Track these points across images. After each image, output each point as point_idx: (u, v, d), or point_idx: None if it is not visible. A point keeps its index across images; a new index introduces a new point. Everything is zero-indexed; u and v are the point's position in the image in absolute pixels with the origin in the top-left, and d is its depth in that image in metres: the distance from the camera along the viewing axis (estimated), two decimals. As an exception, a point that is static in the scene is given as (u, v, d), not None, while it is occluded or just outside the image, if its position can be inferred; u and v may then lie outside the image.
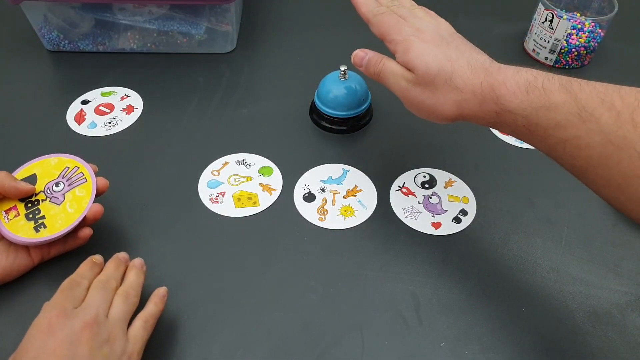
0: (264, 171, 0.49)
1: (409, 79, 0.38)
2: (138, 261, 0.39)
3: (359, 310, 0.39)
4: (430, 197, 0.47)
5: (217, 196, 0.46)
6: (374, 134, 0.53)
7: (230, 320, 0.38)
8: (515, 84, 0.34)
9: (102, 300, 0.34)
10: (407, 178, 0.48)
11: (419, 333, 0.38)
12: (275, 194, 0.47)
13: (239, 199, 0.46)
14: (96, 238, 0.43)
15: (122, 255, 0.39)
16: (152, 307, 0.37)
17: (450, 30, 0.40)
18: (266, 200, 0.46)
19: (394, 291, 0.40)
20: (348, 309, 0.39)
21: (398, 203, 0.46)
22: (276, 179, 0.48)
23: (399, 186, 0.48)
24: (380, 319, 0.39)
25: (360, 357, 0.37)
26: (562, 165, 0.34)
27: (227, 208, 0.45)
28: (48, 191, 0.41)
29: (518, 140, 0.52)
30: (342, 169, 0.49)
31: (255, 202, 0.46)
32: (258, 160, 0.50)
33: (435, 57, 0.37)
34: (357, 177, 0.48)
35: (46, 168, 0.42)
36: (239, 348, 0.37)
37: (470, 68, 0.36)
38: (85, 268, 0.37)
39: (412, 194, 0.47)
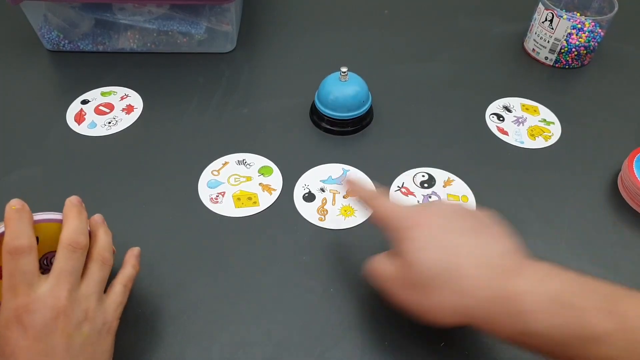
0: (264, 171, 0.49)
1: (400, 279, 0.32)
2: (99, 217, 0.35)
3: (359, 310, 0.39)
4: (430, 197, 0.47)
5: (217, 196, 0.46)
6: (374, 135, 0.53)
7: (230, 321, 0.38)
8: (544, 298, 0.27)
9: (72, 267, 0.30)
10: (406, 178, 0.48)
11: (419, 333, 0.38)
12: (275, 194, 0.47)
13: (238, 198, 0.46)
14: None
15: (76, 199, 0.33)
16: (131, 269, 0.34)
17: (462, 213, 0.33)
18: (266, 200, 0.46)
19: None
20: (348, 309, 0.39)
21: (398, 203, 0.46)
22: (276, 179, 0.48)
23: (398, 186, 0.48)
24: (380, 318, 0.39)
25: (360, 357, 0.37)
26: None
27: (227, 208, 0.45)
28: (44, 262, 0.33)
29: (517, 139, 0.52)
30: (342, 168, 0.49)
31: (255, 202, 0.46)
32: (258, 160, 0.50)
33: (438, 249, 0.30)
34: (356, 177, 0.48)
35: (51, 234, 0.32)
36: (239, 348, 0.37)
37: (478, 265, 0.29)
38: (15, 224, 0.29)
39: (412, 193, 0.47)
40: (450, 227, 0.32)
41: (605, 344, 0.25)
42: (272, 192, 0.47)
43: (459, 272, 0.29)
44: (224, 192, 0.47)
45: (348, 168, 0.49)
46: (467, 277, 0.29)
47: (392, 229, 0.33)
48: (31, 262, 0.29)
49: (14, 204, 0.30)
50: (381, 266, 0.34)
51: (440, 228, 0.32)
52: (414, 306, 0.32)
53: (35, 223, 0.31)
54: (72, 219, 0.32)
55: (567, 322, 0.26)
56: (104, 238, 0.34)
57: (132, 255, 0.36)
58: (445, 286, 0.30)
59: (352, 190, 0.39)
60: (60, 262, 0.30)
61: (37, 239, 0.31)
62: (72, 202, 0.33)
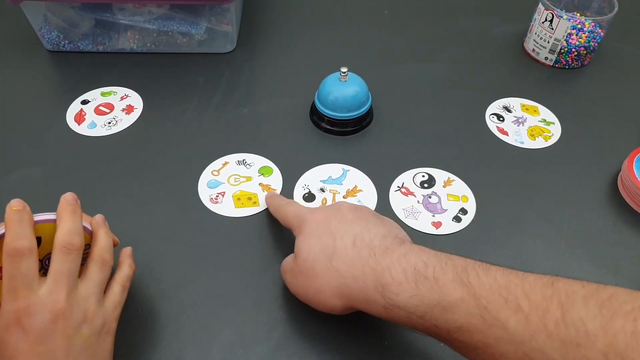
0: (264, 171, 0.49)
1: (292, 269, 0.34)
2: (100, 218, 0.35)
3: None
4: (430, 197, 0.47)
5: (217, 196, 0.46)
6: (374, 135, 0.53)
7: (230, 320, 0.38)
8: (402, 272, 0.29)
9: (70, 269, 0.30)
10: (406, 178, 0.48)
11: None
12: (275, 194, 0.47)
13: (238, 199, 0.46)
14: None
15: (71, 196, 0.33)
16: (127, 269, 0.35)
17: (350, 206, 0.35)
18: (266, 200, 0.46)
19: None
20: (348, 309, 0.39)
21: (398, 203, 0.46)
22: (276, 179, 0.48)
23: (398, 186, 0.48)
24: (380, 318, 0.39)
25: (360, 357, 0.37)
26: None
27: (227, 208, 0.45)
28: (46, 263, 0.32)
29: (517, 140, 0.52)
30: (342, 169, 0.49)
31: (255, 202, 0.46)
32: (258, 161, 0.50)
33: (319, 236, 0.32)
34: (357, 177, 0.48)
35: (53, 234, 0.32)
36: (239, 348, 0.37)
37: (353, 246, 0.31)
38: (16, 225, 0.29)
39: (412, 193, 0.47)
40: (334, 219, 0.34)
41: (456, 312, 0.27)
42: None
43: (336, 254, 0.31)
44: (224, 192, 0.47)
45: (348, 168, 0.49)
46: (343, 258, 0.31)
47: (292, 228, 0.37)
48: (31, 265, 0.29)
49: (15, 204, 0.30)
50: (285, 261, 0.37)
51: (324, 220, 0.34)
52: (303, 293, 0.34)
53: (36, 224, 0.31)
54: (65, 220, 0.31)
55: (425, 294, 0.28)
56: (104, 239, 0.34)
57: (126, 255, 0.36)
58: (325, 269, 0.31)
59: (268, 203, 0.43)
60: (56, 264, 0.30)
61: (40, 239, 0.31)
62: (67, 199, 0.33)
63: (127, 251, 0.37)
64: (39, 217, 0.32)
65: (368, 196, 0.47)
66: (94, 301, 0.31)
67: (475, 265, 0.29)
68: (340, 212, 0.35)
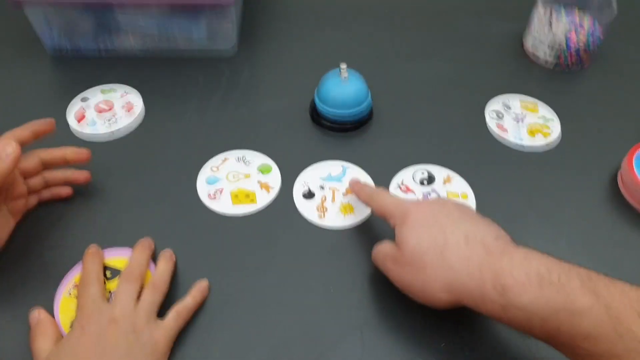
0: (262, 169, 0.48)
1: (396, 258, 0.34)
2: (167, 251, 0.40)
3: (359, 310, 0.39)
4: (429, 194, 0.47)
5: (215, 193, 0.46)
6: (373, 132, 0.53)
7: (230, 321, 0.38)
8: (525, 275, 0.29)
9: (128, 293, 0.36)
10: (406, 175, 0.48)
11: (419, 333, 0.38)
12: (273, 192, 0.46)
13: (236, 196, 0.46)
14: (96, 234, 0.43)
15: (146, 241, 0.40)
16: (189, 299, 0.38)
17: (453, 203, 0.36)
18: (263, 198, 0.46)
19: (394, 291, 0.40)
20: (348, 309, 0.39)
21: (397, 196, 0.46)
22: (274, 177, 0.48)
23: (397, 184, 0.48)
24: (380, 318, 0.38)
25: (360, 357, 0.36)
26: None
27: (224, 205, 0.45)
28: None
29: (517, 137, 0.52)
30: (342, 166, 0.49)
31: (252, 200, 0.46)
32: (257, 158, 0.49)
33: (429, 228, 0.33)
34: (356, 175, 0.48)
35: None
36: (239, 348, 0.37)
37: (466, 242, 0.31)
38: (89, 263, 0.38)
39: (411, 191, 0.47)
40: (440, 213, 0.34)
41: (585, 318, 0.27)
42: (270, 190, 0.47)
43: (448, 248, 0.31)
44: (222, 189, 0.47)
45: (348, 165, 0.49)
46: (457, 254, 0.31)
47: (390, 218, 0.37)
48: (97, 289, 0.36)
49: (90, 250, 0.39)
50: (382, 248, 0.37)
51: (432, 213, 0.35)
52: (408, 284, 0.34)
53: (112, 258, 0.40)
54: (132, 255, 0.39)
55: (550, 297, 0.28)
56: (161, 268, 0.39)
57: (195, 287, 0.39)
58: (435, 263, 0.31)
59: (357, 190, 0.42)
60: (118, 287, 0.36)
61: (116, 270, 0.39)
62: (142, 242, 0.40)
63: (200, 284, 0.39)
64: (117, 252, 0.41)
65: (368, 194, 0.47)
66: (143, 317, 0.35)
67: (598, 275, 0.29)
68: (446, 207, 0.35)
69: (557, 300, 0.27)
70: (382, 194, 0.40)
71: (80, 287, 0.37)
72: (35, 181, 0.43)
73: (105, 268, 0.39)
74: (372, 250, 0.39)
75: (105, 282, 0.38)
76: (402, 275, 0.34)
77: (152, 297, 0.36)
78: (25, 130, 0.40)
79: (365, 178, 0.48)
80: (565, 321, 0.27)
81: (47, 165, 0.43)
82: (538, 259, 0.30)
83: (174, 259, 0.40)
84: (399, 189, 0.47)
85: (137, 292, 0.36)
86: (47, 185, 0.44)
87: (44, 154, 0.42)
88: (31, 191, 0.43)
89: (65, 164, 0.44)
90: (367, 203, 0.41)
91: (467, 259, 0.31)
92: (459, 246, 0.31)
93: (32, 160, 0.42)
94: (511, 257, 0.30)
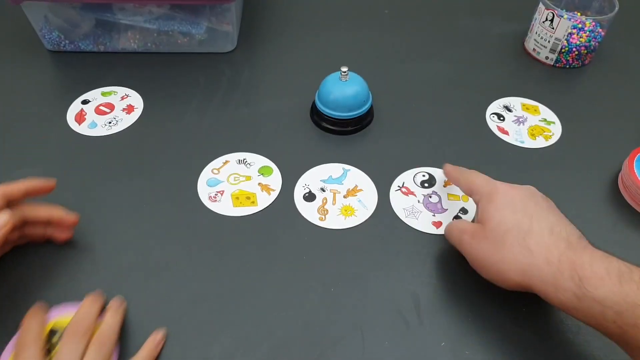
0: (263, 171, 0.48)
1: (475, 232, 0.35)
2: (116, 301, 0.37)
3: (359, 310, 0.39)
4: (430, 196, 0.47)
5: (216, 195, 0.46)
6: (374, 135, 0.53)
7: (230, 321, 0.38)
8: (605, 270, 0.29)
9: (71, 351, 0.32)
10: (407, 178, 0.48)
11: (420, 333, 0.38)
12: (274, 194, 0.46)
13: (237, 198, 0.46)
14: (95, 237, 0.43)
15: (96, 294, 0.36)
16: (144, 355, 0.34)
17: (541, 195, 0.37)
18: (264, 200, 0.46)
19: (394, 291, 0.40)
20: (348, 309, 0.39)
21: (398, 203, 0.46)
22: (275, 179, 0.48)
23: (398, 186, 0.48)
24: (380, 319, 0.39)
25: (360, 357, 0.37)
26: None
27: (225, 207, 0.45)
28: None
29: (518, 139, 0.52)
30: (343, 168, 0.49)
31: (253, 202, 0.46)
32: (258, 160, 0.50)
33: (515, 211, 0.34)
34: (357, 177, 0.48)
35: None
36: (239, 348, 0.37)
37: (550, 233, 0.32)
38: (29, 323, 0.34)
39: (412, 193, 0.47)
40: (531, 201, 0.35)
41: None
42: (271, 192, 0.47)
43: (531, 234, 0.32)
44: (223, 191, 0.47)
45: (348, 168, 0.49)
46: (538, 241, 0.32)
47: (477, 194, 0.38)
48: (34, 352, 0.32)
49: (32, 310, 0.35)
50: (459, 224, 0.38)
51: (520, 198, 0.35)
52: (482, 258, 0.35)
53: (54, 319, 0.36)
54: (80, 307, 0.35)
55: (629, 292, 0.28)
56: (108, 323, 0.35)
57: (151, 341, 0.36)
58: (516, 243, 0.32)
59: (448, 170, 0.44)
60: (61, 347, 0.33)
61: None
62: (91, 295, 0.36)
63: (155, 337, 0.36)
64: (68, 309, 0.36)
65: (368, 196, 0.47)
66: None
67: None
68: (535, 196, 0.36)
69: (635, 297, 0.28)
70: (473, 172, 0.41)
71: (16, 350, 0.33)
72: (14, 235, 0.39)
73: (52, 331, 0.35)
74: (446, 226, 0.40)
75: (48, 344, 0.34)
76: (478, 249, 0.35)
77: (97, 355, 0.32)
78: (18, 189, 0.38)
79: (366, 180, 0.48)
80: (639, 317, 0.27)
81: (30, 222, 0.40)
82: (619, 259, 0.30)
83: (124, 308, 0.37)
84: (399, 191, 0.47)
85: (82, 350, 0.32)
86: (25, 238, 0.41)
87: (29, 212, 0.39)
88: (6, 243, 0.39)
89: (49, 225, 0.40)
90: (456, 180, 0.42)
91: (548, 247, 0.31)
92: (542, 235, 0.32)
93: (15, 217, 0.37)
94: (592, 254, 0.30)
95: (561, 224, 0.33)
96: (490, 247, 0.34)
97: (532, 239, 0.32)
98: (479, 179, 0.39)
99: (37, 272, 0.41)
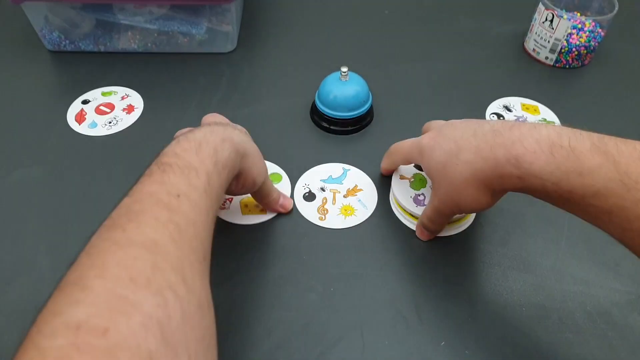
0: (272, 178, 0.47)
1: (432, 193, 0.37)
2: None
3: (359, 310, 0.39)
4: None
5: (225, 201, 0.46)
6: (374, 134, 0.53)
7: (230, 321, 0.38)
8: (535, 142, 0.29)
9: None
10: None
11: (419, 333, 0.38)
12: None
13: (246, 205, 0.45)
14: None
15: None
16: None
17: (454, 120, 0.38)
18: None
19: (394, 291, 0.40)
20: (348, 309, 0.39)
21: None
22: (285, 187, 0.46)
23: (399, 186, 0.48)
24: (380, 318, 0.39)
25: (360, 357, 0.37)
26: (612, 235, 0.30)
27: (233, 214, 0.44)
28: None
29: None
30: (343, 168, 0.49)
31: (262, 210, 0.45)
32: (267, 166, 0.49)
33: (441, 146, 0.35)
34: (357, 177, 0.48)
35: None
36: (239, 348, 0.37)
37: (474, 137, 0.33)
38: None
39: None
40: (446, 128, 0.36)
41: (594, 177, 0.28)
42: None
43: (461, 150, 0.33)
44: (232, 198, 0.46)
45: (348, 167, 0.49)
46: (468, 149, 0.33)
47: (411, 158, 0.41)
48: None
49: None
50: (427, 210, 0.40)
51: (438, 133, 0.37)
52: (449, 202, 0.36)
53: None
54: None
55: (561, 160, 0.28)
56: None
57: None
58: (455, 167, 0.33)
59: (385, 169, 0.45)
60: None
61: None
62: None
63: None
64: None
65: (368, 195, 0.47)
66: None
67: (611, 137, 0.29)
68: (449, 124, 0.37)
69: (568, 163, 0.28)
70: (394, 146, 0.42)
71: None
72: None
73: None
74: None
75: None
76: (442, 198, 0.36)
77: None
78: None
79: (365, 180, 0.48)
80: (576, 182, 0.28)
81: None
82: (547, 126, 0.30)
83: None
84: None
85: None
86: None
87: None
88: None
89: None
90: (391, 163, 0.43)
91: (479, 147, 0.32)
92: (469, 142, 0.33)
93: None
94: (520, 129, 0.31)
95: (481, 123, 0.34)
96: (446, 188, 0.35)
97: (463, 153, 0.33)
98: (405, 147, 0.41)
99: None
